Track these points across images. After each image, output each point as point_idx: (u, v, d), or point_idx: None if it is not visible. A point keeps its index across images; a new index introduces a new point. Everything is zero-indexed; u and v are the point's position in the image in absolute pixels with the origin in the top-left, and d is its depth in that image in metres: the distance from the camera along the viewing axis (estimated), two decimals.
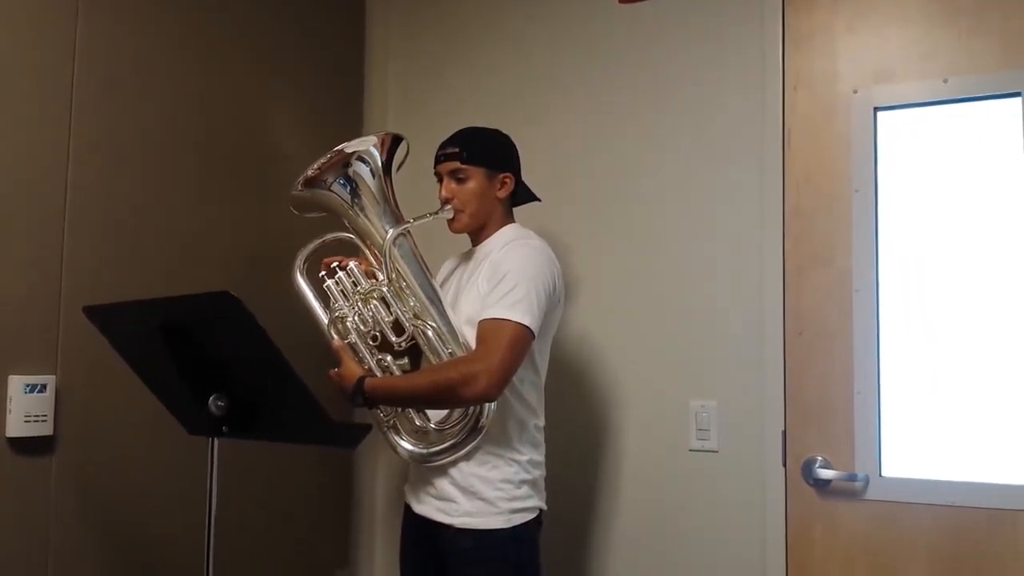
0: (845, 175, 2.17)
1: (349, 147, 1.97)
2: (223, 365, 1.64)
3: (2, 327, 1.82)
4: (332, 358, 1.93)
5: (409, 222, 1.94)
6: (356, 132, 2.72)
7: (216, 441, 1.67)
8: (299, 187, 1.98)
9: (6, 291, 1.83)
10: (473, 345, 1.89)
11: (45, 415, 1.87)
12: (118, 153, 2.05)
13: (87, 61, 1.98)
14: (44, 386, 1.87)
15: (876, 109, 2.16)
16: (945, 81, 2.09)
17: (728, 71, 2.32)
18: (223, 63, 2.32)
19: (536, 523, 1.96)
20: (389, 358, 1.93)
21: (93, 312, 1.72)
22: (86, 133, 1.98)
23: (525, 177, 2.10)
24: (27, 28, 1.88)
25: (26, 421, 1.84)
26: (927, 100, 2.11)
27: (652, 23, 2.42)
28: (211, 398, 1.64)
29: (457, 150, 1.99)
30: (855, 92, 2.18)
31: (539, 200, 2.13)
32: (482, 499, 1.90)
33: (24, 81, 1.87)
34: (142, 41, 2.12)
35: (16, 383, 1.83)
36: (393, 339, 1.92)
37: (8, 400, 1.82)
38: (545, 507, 1.99)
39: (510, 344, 1.83)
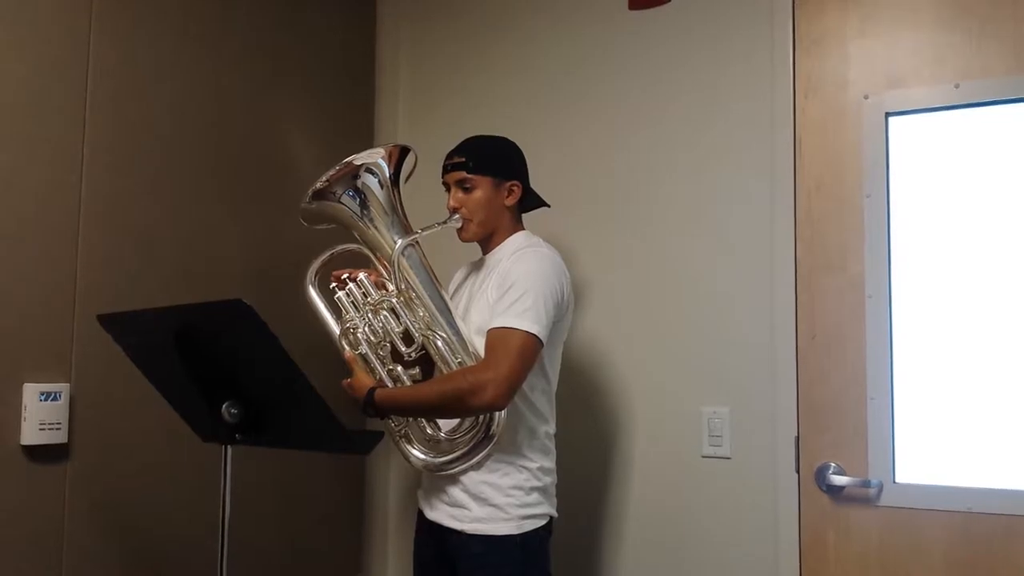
0: (856, 181, 2.17)
1: (357, 159, 1.98)
2: (236, 372, 1.64)
3: (17, 335, 1.83)
4: (344, 366, 1.94)
5: (417, 232, 1.95)
6: (367, 140, 2.74)
7: (229, 448, 1.68)
8: (308, 200, 1.99)
9: (20, 300, 1.84)
10: (483, 354, 1.89)
11: (59, 423, 1.88)
12: (131, 162, 2.07)
13: (101, 71, 2.00)
14: (58, 394, 1.88)
15: (887, 114, 2.16)
16: (956, 86, 2.09)
17: (738, 76, 2.32)
18: (236, 71, 2.34)
19: (546, 530, 1.97)
20: (400, 368, 1.94)
21: (107, 320, 1.72)
22: (100, 143, 1.99)
23: (535, 183, 2.11)
24: (42, 38, 1.90)
25: (40, 429, 1.85)
26: (938, 105, 2.11)
27: (662, 28, 2.42)
28: (224, 405, 1.65)
29: (463, 159, 2.00)
30: (866, 97, 2.18)
31: (548, 206, 2.13)
32: (493, 505, 1.91)
33: (39, 90, 1.89)
34: (156, 52, 2.13)
35: (31, 391, 1.84)
36: (403, 349, 1.94)
37: (23, 408, 1.83)
38: (555, 514, 2.00)
39: (518, 353, 1.83)
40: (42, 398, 1.85)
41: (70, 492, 1.92)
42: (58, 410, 1.88)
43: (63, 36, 1.94)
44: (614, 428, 2.41)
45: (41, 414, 1.85)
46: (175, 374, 1.69)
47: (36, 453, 1.85)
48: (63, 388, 1.90)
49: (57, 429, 1.88)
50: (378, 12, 2.84)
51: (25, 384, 1.84)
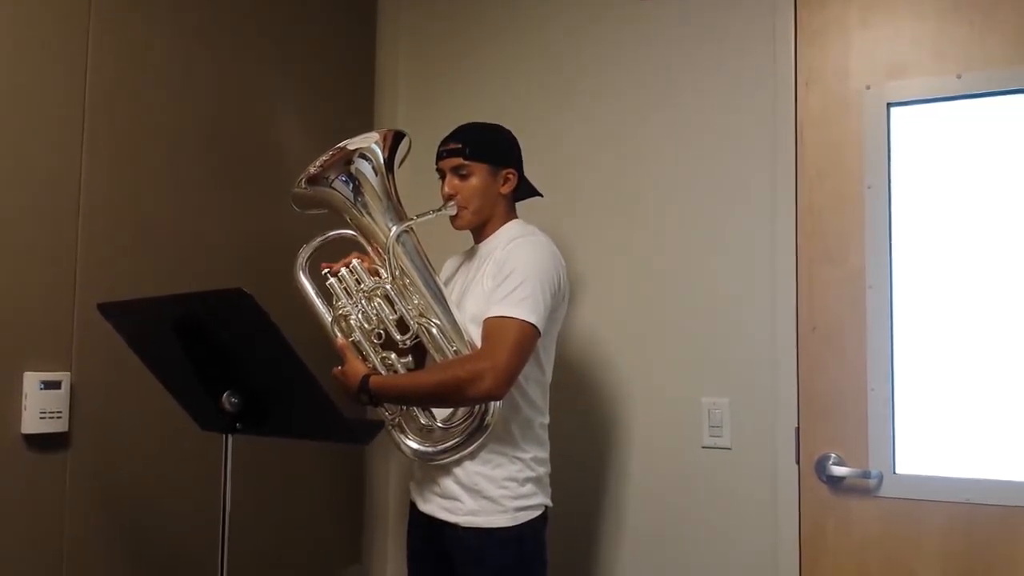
0: (858, 171, 2.18)
1: (351, 144, 1.97)
2: (236, 362, 1.65)
3: (17, 324, 1.84)
4: (335, 355, 1.93)
5: (412, 219, 1.94)
6: (367, 129, 2.73)
7: (230, 438, 1.69)
8: (302, 184, 1.99)
9: (21, 289, 1.85)
10: (478, 343, 1.90)
11: (60, 412, 1.89)
12: (131, 151, 2.08)
13: (100, 59, 2.01)
14: (59, 383, 1.89)
15: (889, 105, 2.16)
16: (958, 77, 2.09)
17: (740, 67, 2.33)
18: (235, 62, 2.35)
19: (542, 520, 1.97)
20: (393, 356, 1.94)
21: (107, 309, 1.73)
22: (99, 132, 2.00)
23: (535, 173, 2.11)
24: (40, 28, 1.90)
25: (41, 418, 1.86)
26: (940, 96, 2.12)
27: (663, 20, 2.44)
28: (225, 395, 1.65)
29: (460, 146, 1.99)
30: (868, 88, 2.18)
31: (541, 195, 2.14)
32: (487, 497, 1.91)
33: (38, 82, 1.90)
34: (154, 41, 2.14)
35: (31, 380, 1.85)
36: (397, 337, 1.93)
37: (23, 397, 1.84)
38: (550, 503, 2.00)
39: (516, 342, 1.83)
40: (42, 387, 1.86)
41: (71, 481, 1.93)
42: (59, 399, 1.89)
43: (62, 27, 1.95)
44: (614, 418, 2.42)
45: (42, 403, 1.86)
46: (176, 363, 1.70)
47: (37, 442, 1.86)
48: (64, 377, 1.90)
49: (58, 418, 1.89)
50: (378, 1, 2.84)
51: (26, 373, 1.85)
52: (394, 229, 1.92)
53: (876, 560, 2.11)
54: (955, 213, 2.08)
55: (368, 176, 1.97)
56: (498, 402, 1.87)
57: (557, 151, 2.50)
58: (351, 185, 1.97)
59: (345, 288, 1.97)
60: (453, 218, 2.01)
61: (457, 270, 2.14)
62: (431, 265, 1.99)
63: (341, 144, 1.97)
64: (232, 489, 1.68)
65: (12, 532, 1.82)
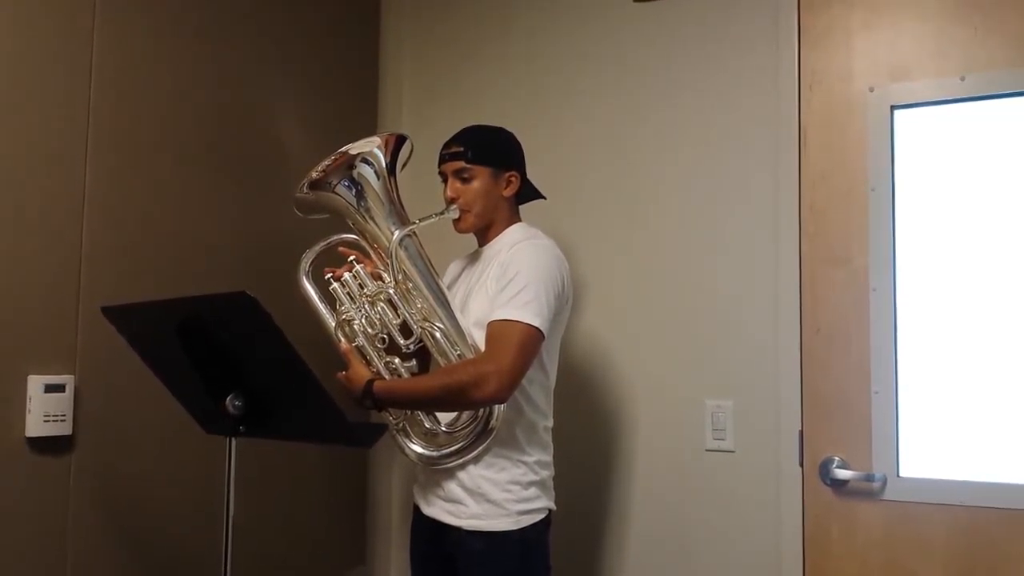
0: (861, 173, 2.18)
1: (353, 149, 1.97)
2: (240, 364, 1.66)
3: (21, 327, 1.85)
4: (339, 359, 1.94)
5: (415, 223, 1.94)
6: (370, 132, 2.74)
7: (233, 440, 1.69)
8: (304, 189, 1.99)
9: (25, 292, 1.86)
10: (482, 346, 1.90)
11: (64, 415, 1.90)
12: (135, 154, 2.08)
13: (104, 62, 2.02)
14: (63, 386, 1.90)
15: (893, 107, 2.16)
16: (962, 79, 2.09)
17: (743, 69, 2.33)
18: (239, 66, 2.36)
19: (545, 523, 1.97)
20: (397, 360, 1.93)
21: (111, 312, 1.74)
22: (104, 135, 2.01)
23: (539, 175, 2.11)
24: (45, 30, 1.91)
25: (45, 421, 1.86)
26: (944, 98, 2.12)
27: (666, 21, 2.44)
28: (228, 397, 1.66)
29: (462, 149, 1.99)
30: (871, 90, 2.18)
31: (544, 198, 2.14)
32: (490, 501, 1.91)
33: (42, 83, 1.90)
34: (159, 42, 2.15)
35: (35, 383, 1.86)
36: (401, 341, 1.93)
37: (27, 400, 1.85)
38: (554, 507, 2.00)
39: (520, 345, 1.84)
40: (46, 390, 1.87)
41: (74, 484, 1.93)
42: (63, 402, 1.90)
43: (67, 29, 1.96)
44: (618, 422, 2.42)
45: (46, 406, 1.87)
46: (179, 366, 1.71)
47: (41, 445, 1.87)
48: (68, 380, 1.91)
49: (62, 421, 1.89)
50: (382, 2, 2.84)
51: (30, 376, 1.86)
52: (397, 233, 1.92)
53: (879, 563, 2.11)
54: (959, 216, 2.08)
55: (370, 180, 1.97)
56: (502, 405, 1.88)
57: (557, 151, 2.50)
58: (353, 190, 1.97)
59: (348, 293, 1.97)
60: (456, 221, 2.01)
61: (461, 273, 2.14)
62: (434, 269, 1.99)
63: (343, 149, 1.96)
64: (235, 491, 1.68)
65: (16, 535, 1.82)
